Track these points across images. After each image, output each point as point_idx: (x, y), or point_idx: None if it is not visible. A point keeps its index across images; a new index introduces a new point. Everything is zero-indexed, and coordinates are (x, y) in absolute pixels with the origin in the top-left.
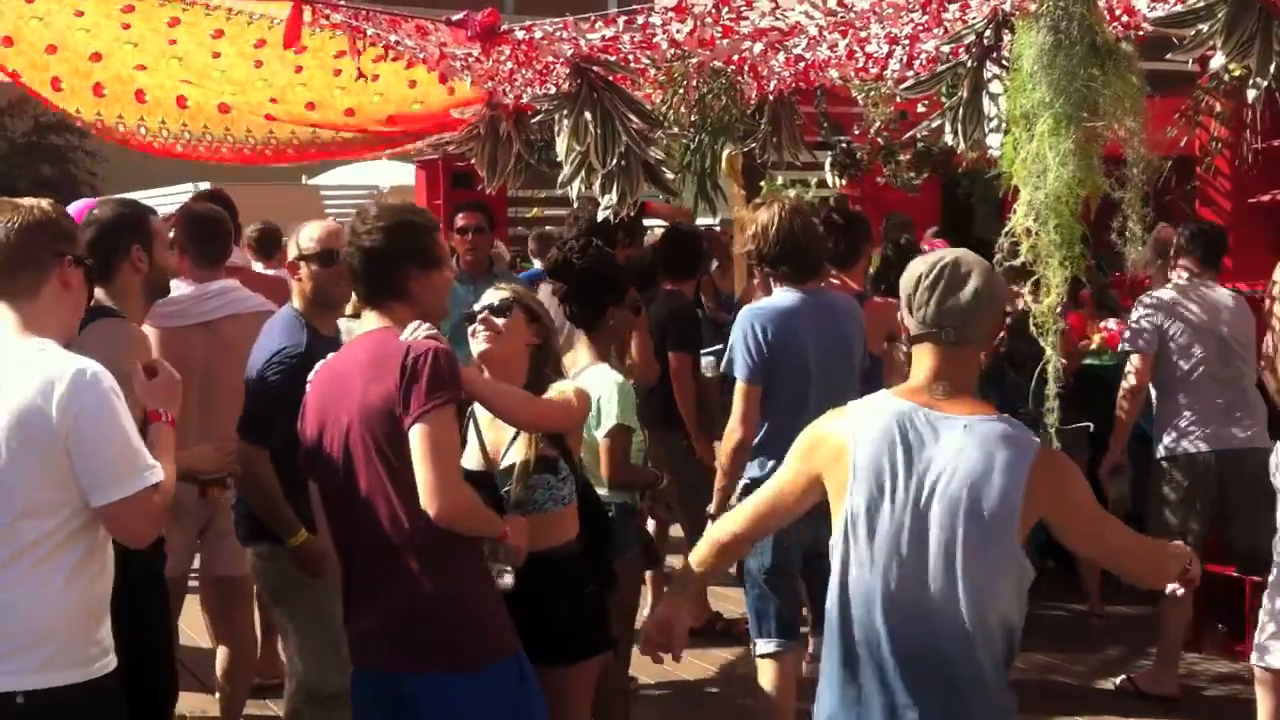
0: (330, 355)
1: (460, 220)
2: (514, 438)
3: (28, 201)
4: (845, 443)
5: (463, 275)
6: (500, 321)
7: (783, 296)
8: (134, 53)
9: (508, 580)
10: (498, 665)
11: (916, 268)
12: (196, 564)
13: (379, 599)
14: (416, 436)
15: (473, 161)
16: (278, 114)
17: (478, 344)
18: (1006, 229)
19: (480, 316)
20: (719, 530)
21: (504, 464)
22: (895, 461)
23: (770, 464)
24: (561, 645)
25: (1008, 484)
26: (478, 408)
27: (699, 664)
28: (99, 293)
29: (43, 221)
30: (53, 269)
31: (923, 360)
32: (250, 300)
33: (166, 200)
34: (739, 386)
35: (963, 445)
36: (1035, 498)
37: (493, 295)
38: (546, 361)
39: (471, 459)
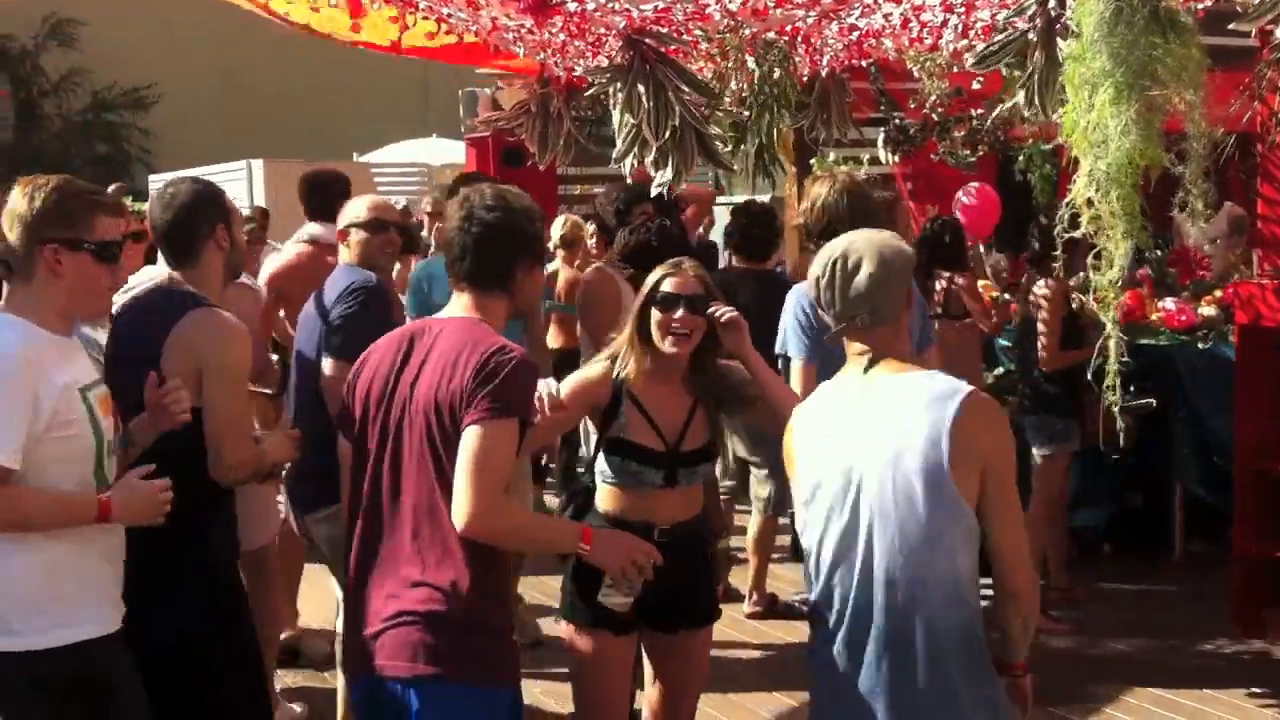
0: (409, 323)
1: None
2: (689, 421)
3: (40, 181)
4: (791, 435)
5: None
6: (699, 318)
7: None
8: None
9: (618, 600)
10: (504, 691)
11: (814, 271)
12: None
13: (390, 596)
14: (468, 438)
15: (523, 138)
16: None
17: (673, 345)
18: (1067, 200)
19: (679, 317)
20: None
21: (688, 447)
22: (827, 434)
23: None
24: (707, 606)
25: (933, 433)
26: (636, 391)
27: (756, 640)
28: (176, 275)
29: (28, 209)
30: (37, 256)
31: (851, 347)
32: None
33: (221, 177)
34: (795, 366)
35: (888, 404)
36: (966, 442)
37: (677, 283)
38: (714, 344)
39: (648, 438)
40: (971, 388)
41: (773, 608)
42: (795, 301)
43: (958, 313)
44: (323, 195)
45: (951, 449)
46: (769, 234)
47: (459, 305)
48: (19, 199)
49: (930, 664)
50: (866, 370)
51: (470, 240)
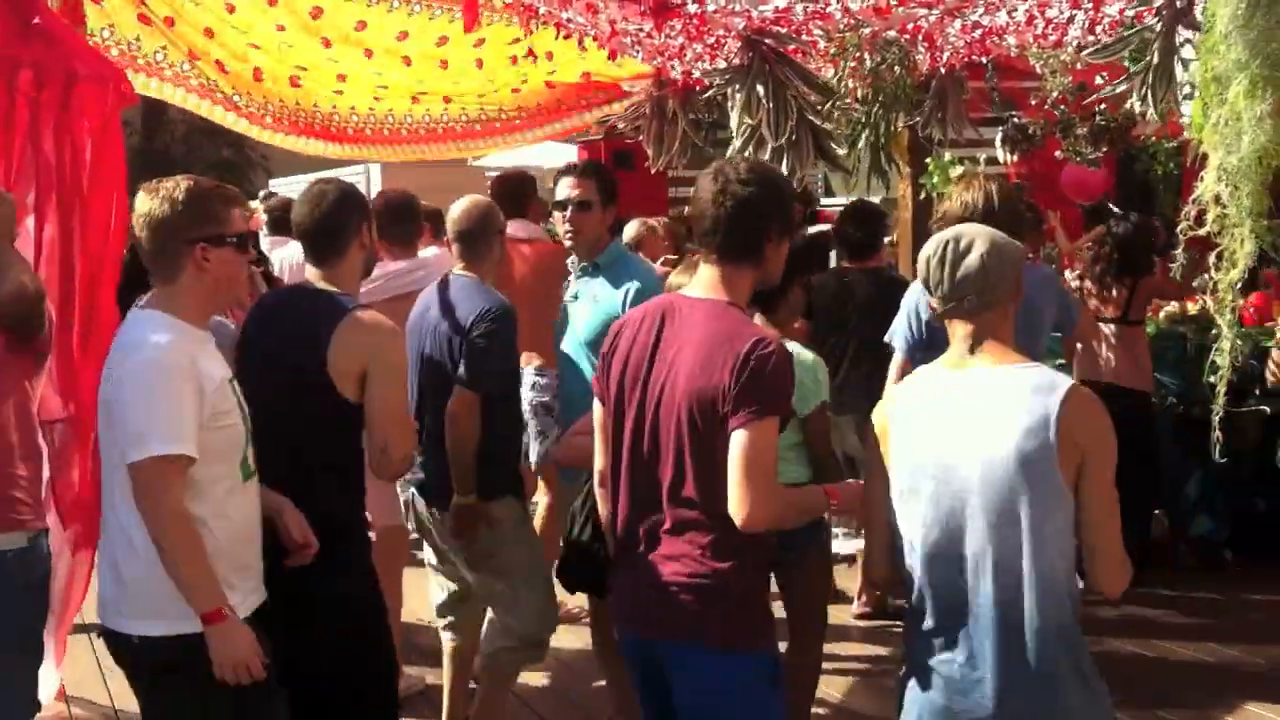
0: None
1: (563, 187)
2: None
3: (168, 185)
4: (885, 422)
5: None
6: None
7: None
8: (290, 54)
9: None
10: (759, 652)
11: (925, 252)
12: None
13: (653, 563)
14: (739, 441)
15: (640, 139)
16: (453, 96)
17: None
18: (1194, 196)
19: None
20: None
21: None
22: (924, 424)
23: None
24: None
25: (1036, 424)
26: None
27: (865, 644)
28: (314, 272)
29: (169, 213)
30: (185, 256)
31: (956, 332)
32: (428, 279)
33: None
34: (895, 359)
35: (989, 394)
36: (1070, 436)
37: None
38: None
39: None
40: (1073, 381)
41: (882, 610)
42: (914, 298)
43: (1138, 319)
44: (514, 196)
45: (1058, 440)
46: (872, 235)
47: (706, 282)
48: (153, 203)
49: (1032, 658)
50: (968, 355)
51: (724, 213)
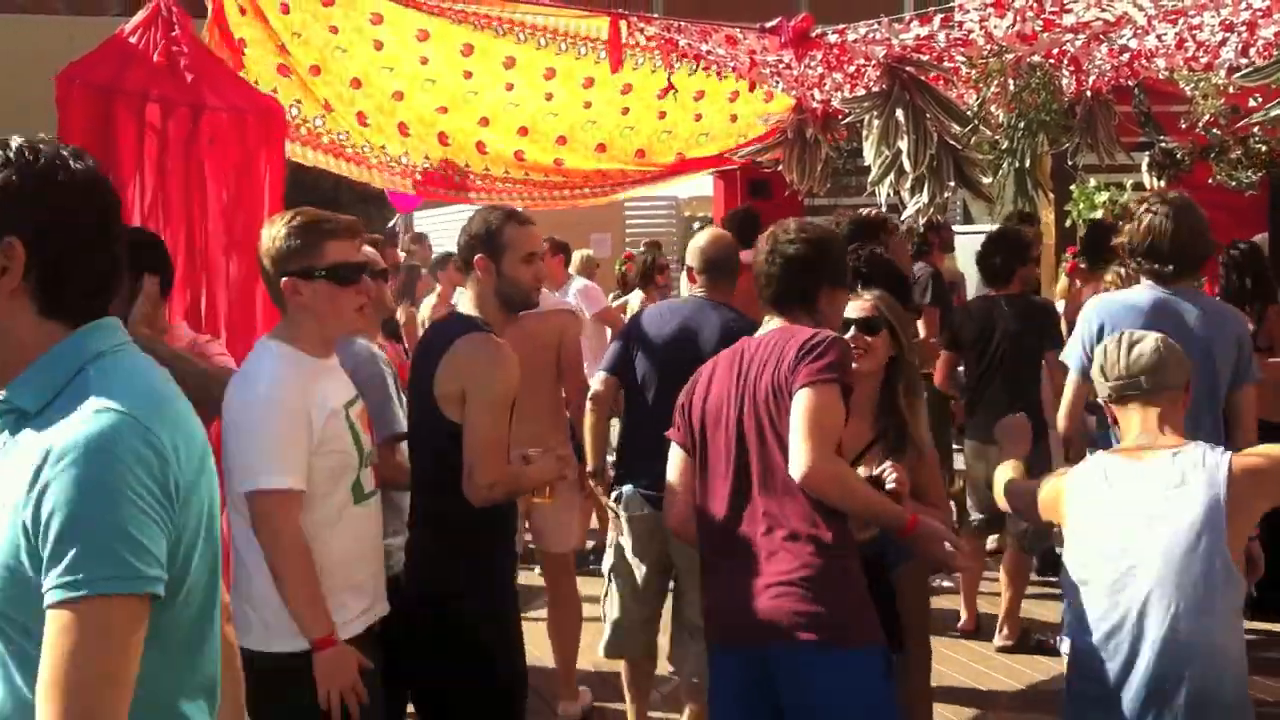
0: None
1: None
2: (861, 455)
3: (280, 218)
4: (1063, 496)
5: None
6: (870, 339)
7: (1135, 293)
8: (434, 90)
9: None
10: (873, 649)
11: (1100, 349)
12: None
13: (754, 576)
14: (799, 400)
15: (780, 169)
16: (603, 162)
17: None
18: None
19: (852, 335)
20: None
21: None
22: (1104, 508)
23: None
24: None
25: (1209, 502)
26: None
27: (1007, 678)
28: (466, 297)
29: (268, 247)
30: (284, 289)
31: (1130, 421)
32: (549, 297)
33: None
34: (1070, 378)
35: (1165, 479)
36: (1240, 501)
37: (857, 308)
38: (900, 376)
39: None
40: (1230, 454)
41: (1024, 642)
42: (1089, 313)
43: (1264, 345)
44: (750, 228)
45: (1230, 514)
46: (1008, 260)
47: (772, 326)
48: (264, 238)
49: None
50: (1142, 445)
51: (774, 270)
